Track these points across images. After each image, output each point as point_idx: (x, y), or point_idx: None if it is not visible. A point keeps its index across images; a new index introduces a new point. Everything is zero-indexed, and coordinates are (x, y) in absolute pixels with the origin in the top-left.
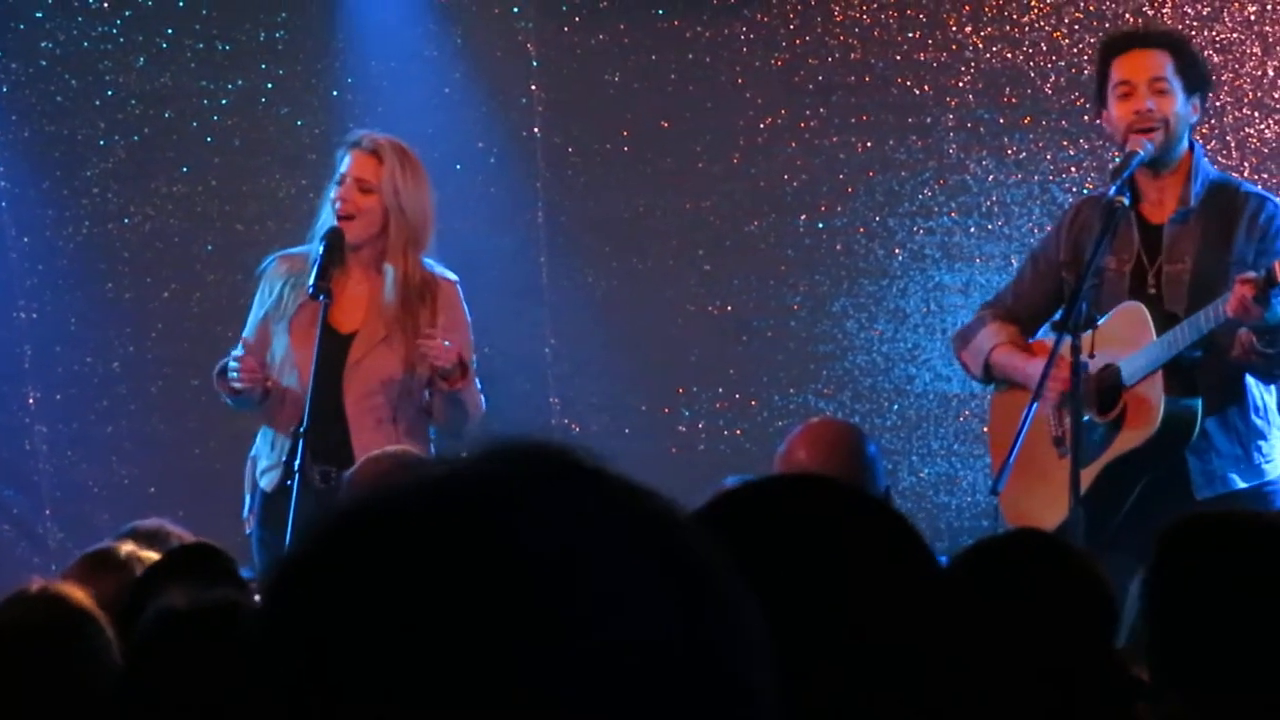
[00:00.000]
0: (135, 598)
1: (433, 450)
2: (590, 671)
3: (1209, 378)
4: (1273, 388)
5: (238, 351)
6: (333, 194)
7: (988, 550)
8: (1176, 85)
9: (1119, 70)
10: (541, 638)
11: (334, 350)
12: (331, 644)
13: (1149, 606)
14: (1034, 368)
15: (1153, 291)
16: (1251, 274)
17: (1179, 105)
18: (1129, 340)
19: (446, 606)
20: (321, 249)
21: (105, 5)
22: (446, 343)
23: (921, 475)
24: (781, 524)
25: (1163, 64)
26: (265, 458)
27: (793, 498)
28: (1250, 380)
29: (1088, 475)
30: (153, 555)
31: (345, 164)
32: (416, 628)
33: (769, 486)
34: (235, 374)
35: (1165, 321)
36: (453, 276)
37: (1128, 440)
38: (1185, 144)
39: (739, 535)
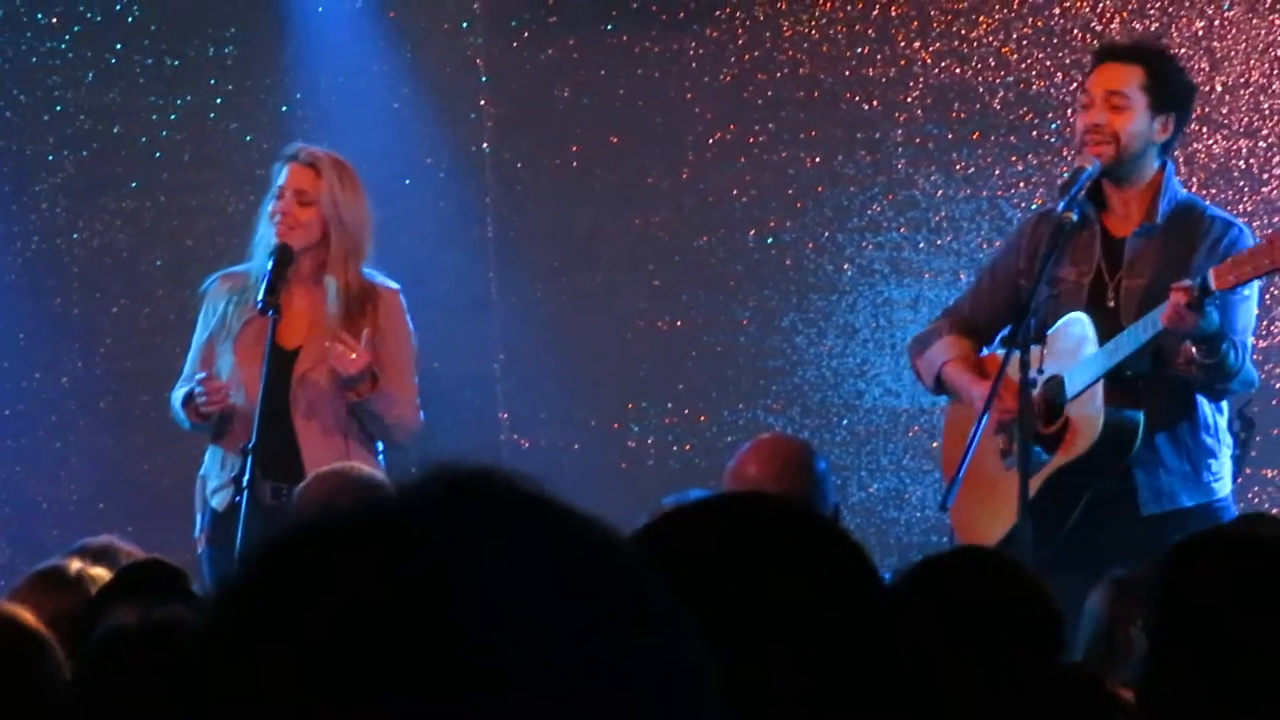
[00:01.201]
0: (89, 616)
1: (381, 462)
2: (526, 698)
3: (1156, 392)
4: (1224, 406)
5: (201, 376)
6: (271, 207)
7: (931, 568)
8: (1140, 101)
9: (1088, 82)
10: (477, 665)
11: (280, 366)
12: (268, 665)
13: (1154, 623)
14: (981, 390)
15: (1111, 305)
16: (1187, 281)
17: (1138, 122)
18: (1073, 352)
19: (384, 631)
20: (270, 264)
21: (54, 21)
22: (354, 355)
23: (871, 490)
24: (729, 543)
25: (1128, 79)
26: (215, 476)
27: (737, 516)
28: (1201, 398)
29: (1032, 487)
30: (102, 572)
31: (283, 177)
32: (353, 651)
33: (715, 506)
34: (203, 399)
35: (1116, 335)
36: (394, 285)
37: (1069, 451)
38: (1154, 162)
39: (687, 555)
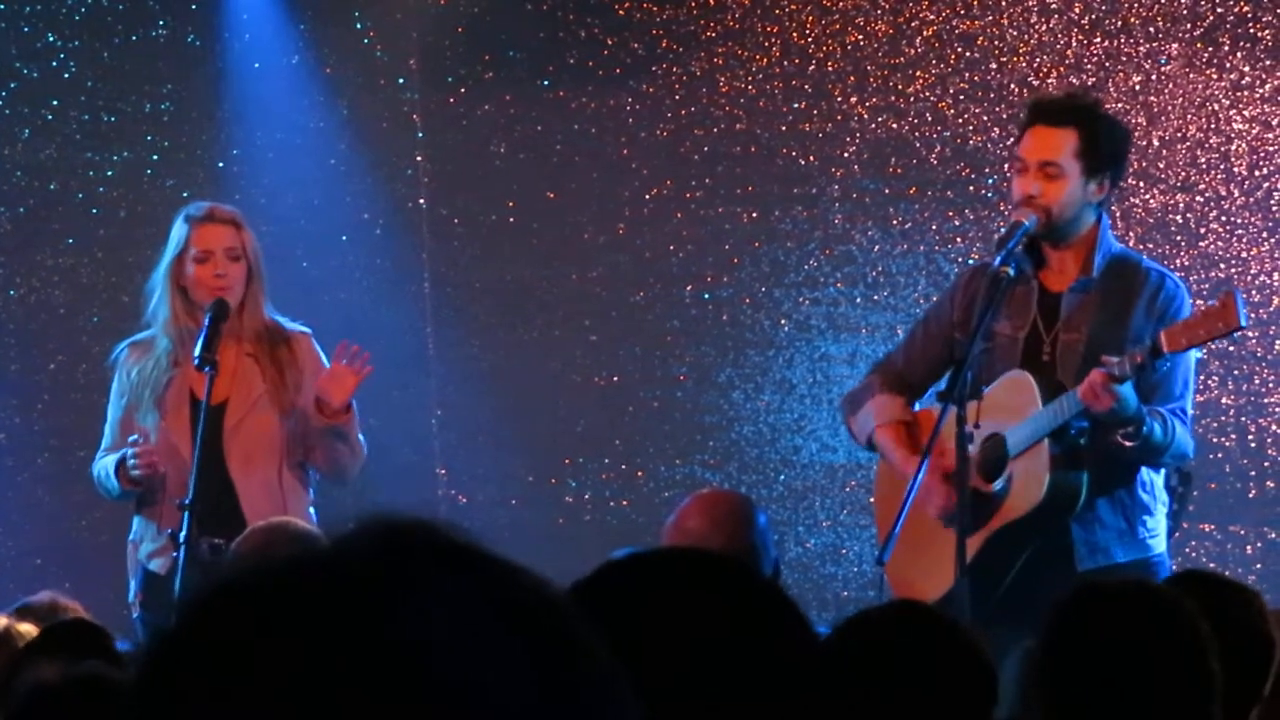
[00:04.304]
0: (12, 674)
1: (313, 514)
2: None
3: (1096, 450)
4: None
5: (134, 439)
6: (191, 271)
7: (868, 622)
8: (1074, 167)
9: (1022, 144)
10: (408, 718)
11: (210, 420)
12: (204, 716)
13: (1043, 677)
14: (911, 463)
15: (1046, 359)
16: (1114, 358)
17: (1072, 187)
18: (1014, 409)
19: (317, 685)
20: (208, 321)
21: None
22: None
23: (808, 546)
24: (659, 600)
25: (1061, 145)
26: (151, 539)
27: (670, 573)
28: None
29: (972, 545)
30: (30, 629)
31: (203, 238)
32: (286, 705)
33: (646, 562)
34: (135, 464)
35: (1054, 391)
36: (305, 329)
37: (1012, 510)
38: (1089, 218)
39: (617, 611)
